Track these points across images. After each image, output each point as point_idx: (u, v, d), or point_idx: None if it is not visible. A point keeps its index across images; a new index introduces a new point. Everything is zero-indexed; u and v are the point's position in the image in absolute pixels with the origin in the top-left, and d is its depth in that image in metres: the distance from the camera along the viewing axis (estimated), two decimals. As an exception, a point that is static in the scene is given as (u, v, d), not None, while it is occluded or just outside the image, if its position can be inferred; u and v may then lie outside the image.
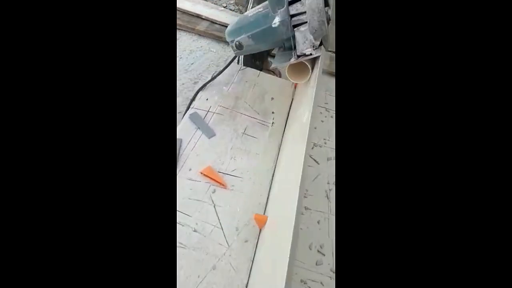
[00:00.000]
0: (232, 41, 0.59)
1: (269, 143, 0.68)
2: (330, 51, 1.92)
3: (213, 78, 0.79)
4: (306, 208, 0.58)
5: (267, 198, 0.57)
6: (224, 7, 1.79)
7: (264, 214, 0.56)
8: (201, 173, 0.57)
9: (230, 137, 0.66)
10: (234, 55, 0.79)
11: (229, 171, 0.60)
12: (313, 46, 0.52)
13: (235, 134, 0.67)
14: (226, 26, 0.66)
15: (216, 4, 1.81)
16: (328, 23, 0.51)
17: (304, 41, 0.51)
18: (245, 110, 0.74)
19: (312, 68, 0.58)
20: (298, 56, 0.54)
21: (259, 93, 0.79)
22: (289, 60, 0.55)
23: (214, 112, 0.70)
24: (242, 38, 0.57)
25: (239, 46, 0.59)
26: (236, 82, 0.80)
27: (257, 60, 1.14)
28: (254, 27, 0.55)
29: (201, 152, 0.61)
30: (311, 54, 0.53)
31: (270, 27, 0.53)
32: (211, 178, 0.57)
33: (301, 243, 0.57)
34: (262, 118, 0.73)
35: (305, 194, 0.60)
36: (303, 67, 0.58)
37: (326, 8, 0.49)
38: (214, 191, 0.56)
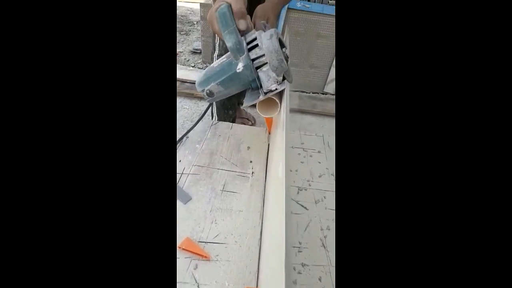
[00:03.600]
0: (203, 91, 0.62)
1: (252, 195, 0.63)
2: (299, 90, 2.02)
3: (188, 132, 0.77)
4: (303, 265, 0.51)
5: (258, 262, 0.51)
6: (193, 66, 1.89)
7: (257, 282, 0.48)
8: (179, 247, 0.50)
9: (208, 198, 0.61)
10: (205, 110, 0.81)
11: (210, 238, 0.53)
12: (277, 82, 0.56)
13: (213, 193, 0.62)
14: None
15: (185, 65, 1.91)
16: (287, 61, 0.55)
17: (268, 79, 0.56)
18: (221, 164, 0.70)
19: (280, 101, 0.61)
20: (265, 93, 0.57)
21: (235, 144, 0.77)
22: (258, 97, 0.58)
23: (188, 174, 0.66)
24: (212, 86, 0.60)
25: (210, 94, 0.62)
26: (209, 138, 0.78)
27: (230, 110, 1.17)
28: (221, 75, 0.59)
29: (177, 222, 0.55)
30: (276, 89, 0.57)
31: (235, 73, 0.56)
32: (191, 252, 0.50)
33: (307, 309, 0.48)
34: (240, 170, 0.69)
35: (299, 248, 0.54)
36: (272, 102, 0.61)
37: (283, 48, 0.53)
38: (196, 267, 0.49)
